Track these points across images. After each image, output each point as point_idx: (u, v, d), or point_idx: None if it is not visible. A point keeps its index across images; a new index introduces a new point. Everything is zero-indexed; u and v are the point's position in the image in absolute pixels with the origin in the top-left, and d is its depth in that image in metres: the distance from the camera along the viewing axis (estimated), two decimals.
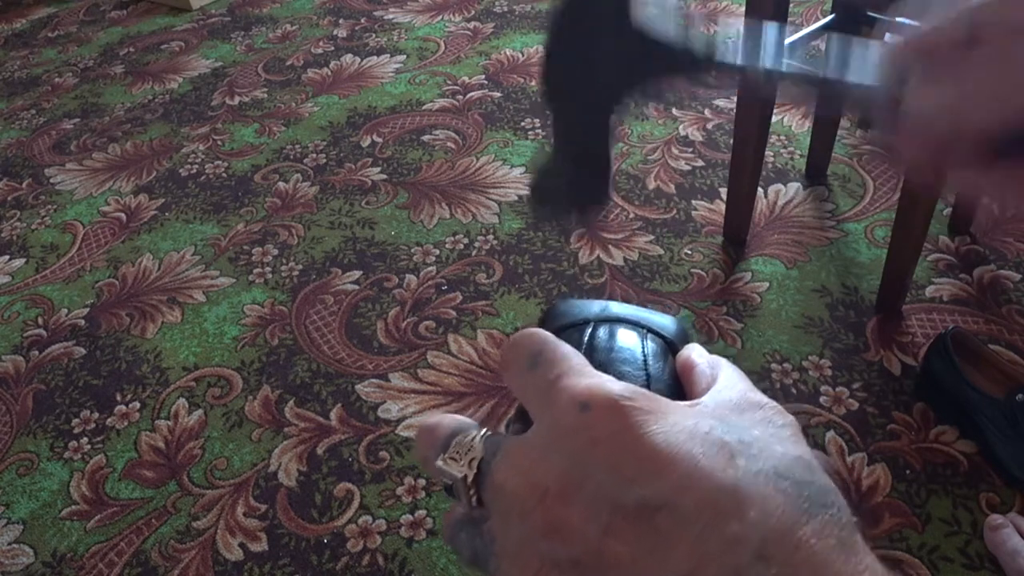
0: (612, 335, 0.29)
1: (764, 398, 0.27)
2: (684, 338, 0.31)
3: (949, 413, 1.19)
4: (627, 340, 0.29)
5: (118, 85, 2.45)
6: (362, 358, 1.42)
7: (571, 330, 0.30)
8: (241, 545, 1.17)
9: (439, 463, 0.27)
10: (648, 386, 0.28)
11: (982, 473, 1.13)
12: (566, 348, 0.27)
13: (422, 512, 1.17)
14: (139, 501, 1.25)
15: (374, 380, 1.38)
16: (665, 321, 0.31)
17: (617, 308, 0.31)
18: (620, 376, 0.27)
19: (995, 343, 1.30)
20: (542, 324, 0.31)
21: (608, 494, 0.23)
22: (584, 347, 0.29)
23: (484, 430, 0.27)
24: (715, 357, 0.29)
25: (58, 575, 1.16)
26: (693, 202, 1.69)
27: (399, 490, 1.21)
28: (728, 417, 0.25)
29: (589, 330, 0.30)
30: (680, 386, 0.29)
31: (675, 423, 0.23)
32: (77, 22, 2.95)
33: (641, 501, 0.22)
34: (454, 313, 1.49)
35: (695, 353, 0.30)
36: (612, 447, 0.23)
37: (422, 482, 1.21)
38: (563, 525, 0.23)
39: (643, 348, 0.29)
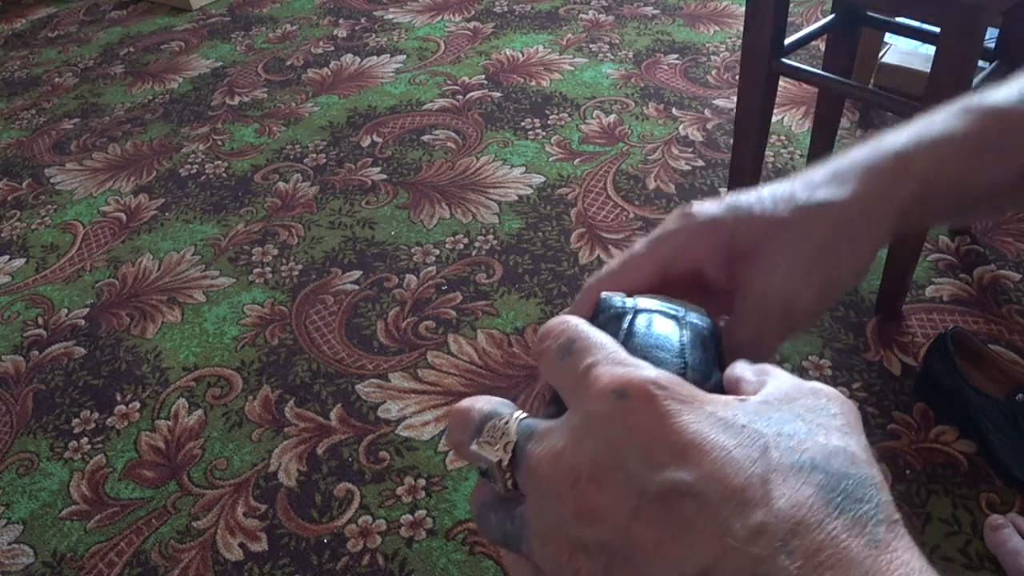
0: (650, 324, 0.30)
1: (821, 385, 0.26)
2: (719, 330, 0.31)
3: (949, 413, 1.19)
4: (664, 329, 0.30)
5: (118, 85, 2.45)
6: (362, 358, 1.42)
7: (611, 319, 0.30)
8: (241, 545, 1.17)
9: (474, 447, 0.27)
10: (684, 375, 0.28)
11: (982, 473, 1.13)
12: (599, 336, 0.27)
13: (422, 512, 1.17)
14: (139, 501, 1.25)
15: (374, 380, 1.38)
16: (700, 313, 0.32)
17: (648, 301, 0.32)
18: (657, 364, 0.27)
19: (995, 343, 1.30)
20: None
21: (638, 480, 0.23)
22: (623, 335, 0.30)
23: (518, 413, 0.27)
24: (764, 365, 0.29)
25: (58, 575, 1.16)
26: (693, 202, 1.69)
27: (399, 490, 1.21)
28: (770, 411, 0.25)
29: (629, 318, 0.30)
30: (717, 374, 0.29)
31: (710, 413, 0.24)
32: (77, 22, 2.95)
33: (669, 487, 0.22)
34: (454, 313, 1.49)
35: (739, 367, 0.29)
36: (646, 434, 0.23)
37: (422, 482, 1.21)
38: (594, 509, 0.23)
39: (680, 337, 0.30)
